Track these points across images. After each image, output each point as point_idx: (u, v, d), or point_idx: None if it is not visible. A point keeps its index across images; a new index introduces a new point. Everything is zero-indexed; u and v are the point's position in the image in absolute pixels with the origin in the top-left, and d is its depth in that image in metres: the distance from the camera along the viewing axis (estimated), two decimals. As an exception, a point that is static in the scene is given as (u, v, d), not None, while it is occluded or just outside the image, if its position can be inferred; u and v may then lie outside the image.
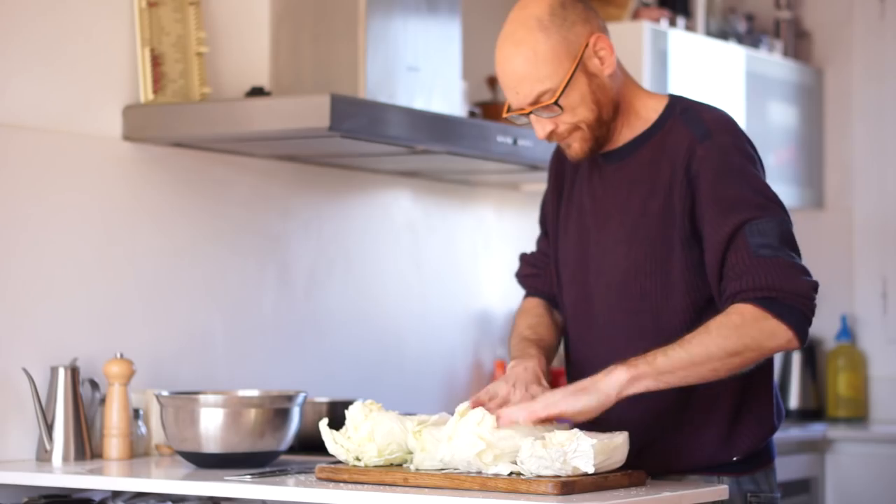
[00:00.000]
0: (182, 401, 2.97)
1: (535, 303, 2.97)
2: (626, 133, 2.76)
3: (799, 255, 2.61)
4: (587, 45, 2.68)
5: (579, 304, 2.81)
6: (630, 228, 2.71)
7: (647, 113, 2.75)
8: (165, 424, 3.00)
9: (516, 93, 2.67)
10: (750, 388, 2.72)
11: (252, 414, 2.94)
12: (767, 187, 2.66)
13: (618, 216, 2.74)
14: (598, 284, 2.76)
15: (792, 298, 2.55)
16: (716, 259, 2.62)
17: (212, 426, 2.93)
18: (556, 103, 2.65)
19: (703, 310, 2.66)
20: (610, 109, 2.71)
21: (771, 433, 2.76)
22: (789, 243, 2.60)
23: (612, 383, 2.53)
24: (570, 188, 2.87)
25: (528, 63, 2.65)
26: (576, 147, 2.72)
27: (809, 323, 2.58)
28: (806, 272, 2.58)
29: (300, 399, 3.03)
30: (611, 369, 2.54)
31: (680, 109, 2.74)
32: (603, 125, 2.71)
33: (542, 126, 2.70)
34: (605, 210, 2.77)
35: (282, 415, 2.97)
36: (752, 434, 2.73)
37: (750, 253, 2.57)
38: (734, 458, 2.71)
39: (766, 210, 2.61)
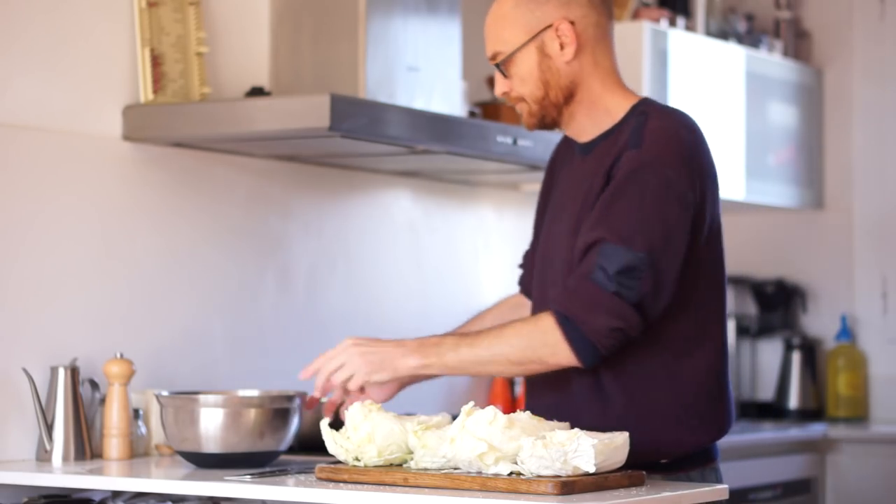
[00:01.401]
0: (182, 401, 2.97)
1: (509, 297, 3.12)
2: (594, 128, 2.82)
3: (633, 292, 2.62)
4: (550, 27, 2.76)
5: (537, 295, 2.89)
6: (575, 221, 2.77)
7: (616, 110, 2.80)
8: (165, 424, 3.00)
9: (486, 43, 2.83)
10: (696, 390, 2.75)
11: (252, 414, 2.94)
12: (651, 217, 2.65)
13: (570, 208, 2.81)
14: (550, 274, 2.83)
15: (587, 329, 2.64)
16: (574, 260, 2.71)
17: (212, 426, 2.93)
18: (498, 66, 2.79)
19: None
20: (559, 94, 2.78)
21: (713, 439, 2.77)
22: (624, 280, 2.62)
23: (403, 367, 2.75)
24: (549, 188, 2.96)
25: (495, 21, 2.81)
26: (523, 118, 2.84)
27: (599, 354, 2.65)
28: (620, 314, 2.62)
29: (300, 400, 3.03)
30: (407, 351, 2.74)
31: (639, 112, 2.77)
32: (550, 106, 2.79)
33: (498, 83, 2.83)
34: (563, 202, 2.84)
35: (282, 415, 2.97)
36: (690, 439, 2.75)
37: (587, 272, 2.65)
38: (662, 461, 2.72)
39: (629, 240, 2.63)
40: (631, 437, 2.57)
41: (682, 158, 2.69)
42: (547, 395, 2.84)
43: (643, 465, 2.65)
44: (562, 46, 2.76)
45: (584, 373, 2.73)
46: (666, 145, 2.69)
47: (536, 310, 2.88)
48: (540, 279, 2.88)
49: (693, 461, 2.79)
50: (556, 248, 2.82)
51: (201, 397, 2.97)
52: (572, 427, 2.60)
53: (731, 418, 2.82)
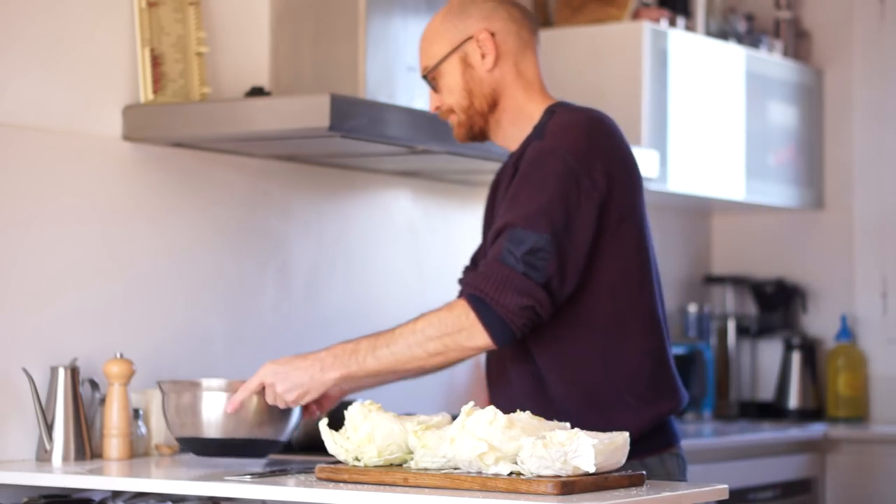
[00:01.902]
0: (184, 385, 2.98)
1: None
2: (520, 135, 2.95)
3: (541, 273, 2.73)
4: (472, 38, 2.94)
5: None
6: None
7: (538, 116, 2.95)
8: (166, 411, 3.00)
9: (419, 59, 3.03)
10: (631, 371, 2.85)
11: (254, 401, 2.94)
12: (554, 201, 2.77)
13: (498, 211, 2.92)
14: None
15: (500, 309, 2.72)
16: (485, 248, 2.86)
17: (213, 412, 2.94)
18: (424, 77, 2.99)
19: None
20: (483, 102, 2.95)
21: (654, 420, 2.86)
22: (532, 260, 2.74)
23: (327, 380, 2.81)
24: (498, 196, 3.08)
25: (424, 38, 3.02)
26: (455, 130, 3.00)
27: (512, 334, 2.75)
28: (529, 292, 2.72)
29: None
30: (325, 365, 2.79)
31: (549, 111, 2.93)
32: (476, 115, 2.96)
33: (430, 98, 3.03)
34: (496, 207, 2.95)
35: (282, 413, 2.97)
36: (632, 422, 2.81)
37: (497, 255, 2.76)
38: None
39: (533, 222, 2.75)
40: (574, 422, 2.65)
41: (583, 145, 2.83)
42: (492, 390, 2.97)
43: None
44: (483, 56, 2.93)
45: (522, 363, 2.86)
46: (567, 134, 2.84)
47: None
48: None
49: (648, 446, 2.85)
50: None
51: (203, 381, 2.97)
52: None
53: (679, 399, 2.91)
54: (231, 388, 2.95)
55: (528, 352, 2.88)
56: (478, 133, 3.00)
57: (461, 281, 2.98)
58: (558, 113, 2.90)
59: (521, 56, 2.97)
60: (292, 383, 2.85)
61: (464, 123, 2.98)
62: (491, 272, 2.75)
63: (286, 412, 2.97)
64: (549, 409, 2.81)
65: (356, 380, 2.84)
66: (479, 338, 2.75)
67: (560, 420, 2.68)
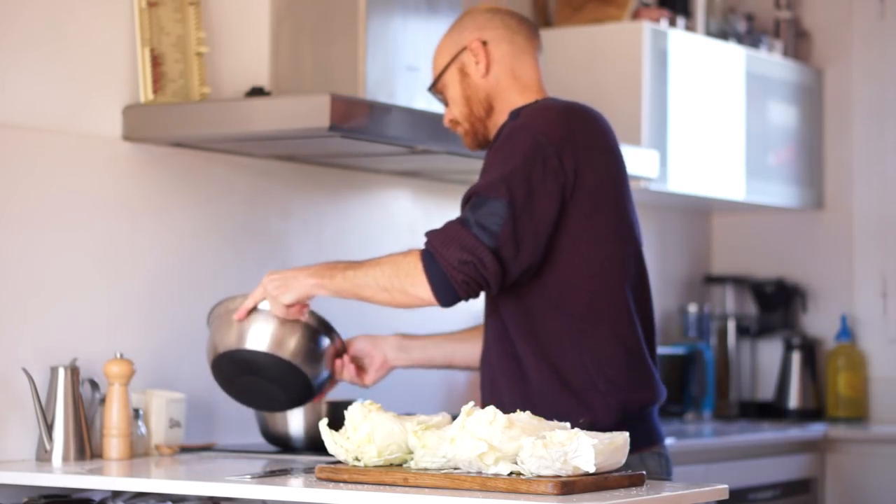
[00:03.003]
0: (237, 302, 3.12)
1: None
2: None
3: (492, 237, 2.82)
4: (466, 48, 3.08)
5: None
6: None
7: None
8: (212, 326, 3.15)
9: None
10: (604, 356, 2.94)
11: (301, 328, 3.08)
12: (517, 172, 2.86)
13: None
14: None
15: (442, 262, 2.83)
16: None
17: (262, 325, 3.07)
18: (429, 89, 3.15)
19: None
20: (480, 108, 3.08)
21: (619, 405, 2.93)
22: (485, 223, 2.83)
23: (302, 286, 2.99)
24: None
25: (433, 57, 3.16)
26: (464, 140, 3.14)
27: (453, 290, 2.85)
28: (472, 249, 2.82)
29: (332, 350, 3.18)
30: (309, 273, 2.98)
31: (534, 104, 3.02)
32: (476, 121, 3.09)
33: (445, 113, 3.16)
34: None
35: (319, 351, 3.13)
36: (599, 403, 2.91)
37: (458, 218, 2.88)
38: (580, 422, 2.82)
39: (494, 189, 2.85)
40: (550, 405, 2.84)
41: (555, 128, 2.91)
42: (481, 376, 3.08)
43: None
44: (476, 63, 3.07)
45: (502, 344, 2.97)
46: (542, 116, 2.94)
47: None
48: None
49: (630, 443, 2.85)
50: None
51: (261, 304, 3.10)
52: (496, 400, 2.86)
53: (657, 392, 3.00)
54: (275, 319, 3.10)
55: (506, 333, 2.98)
56: (482, 140, 3.11)
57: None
58: (540, 102, 3.02)
59: (516, 61, 3.08)
60: (282, 283, 3.02)
61: (469, 132, 3.11)
62: (445, 228, 2.88)
63: (320, 359, 3.13)
64: (527, 390, 2.93)
65: (323, 290, 2.99)
66: (421, 287, 2.87)
67: (537, 402, 2.80)
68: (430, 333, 3.41)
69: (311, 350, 3.13)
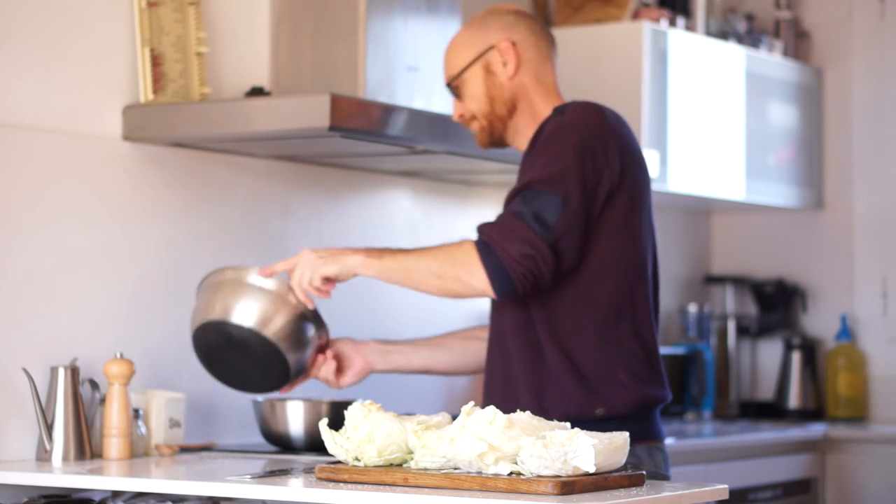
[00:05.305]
0: (233, 271, 3.15)
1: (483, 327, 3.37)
2: (530, 136, 3.10)
3: (549, 231, 2.88)
4: (493, 47, 3.11)
5: None
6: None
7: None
8: (201, 295, 3.16)
9: (444, 71, 3.19)
10: (625, 349, 3.01)
11: (291, 307, 3.09)
12: (569, 168, 2.92)
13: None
14: None
15: (502, 254, 2.86)
16: (504, 207, 2.98)
17: (252, 302, 3.09)
18: (448, 85, 3.15)
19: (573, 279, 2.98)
20: (503, 108, 3.12)
21: (639, 398, 2.99)
22: (542, 216, 2.89)
23: (350, 262, 3.01)
24: None
25: (449, 50, 3.17)
26: (477, 136, 3.17)
27: (511, 284, 2.88)
28: (532, 243, 2.87)
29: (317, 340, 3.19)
30: (356, 251, 3.01)
31: (562, 107, 3.07)
32: (496, 119, 3.12)
33: (454, 107, 3.18)
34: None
35: (305, 336, 3.14)
36: (619, 394, 2.98)
37: (510, 209, 2.92)
38: (597, 412, 2.95)
39: (548, 185, 2.91)
40: (564, 395, 2.92)
41: (599, 126, 2.99)
42: (488, 372, 3.10)
43: (582, 419, 2.87)
44: (504, 64, 3.10)
45: (524, 333, 3.00)
46: (586, 113, 3.01)
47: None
48: None
49: (640, 435, 2.98)
50: None
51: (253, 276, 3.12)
52: (510, 388, 2.92)
53: (667, 390, 3.07)
54: (279, 287, 3.11)
55: (530, 322, 3.00)
56: (497, 138, 3.16)
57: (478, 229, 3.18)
58: (571, 104, 3.06)
59: (540, 65, 3.15)
60: (329, 254, 3.05)
61: (486, 129, 3.14)
62: (501, 221, 2.91)
63: (305, 344, 3.12)
64: (543, 379, 2.98)
65: (369, 270, 3.01)
66: (478, 278, 2.89)
67: (551, 389, 2.85)
68: (406, 340, 3.43)
69: (298, 337, 3.14)
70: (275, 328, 3.11)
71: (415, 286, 2.99)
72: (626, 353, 3.01)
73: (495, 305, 3.10)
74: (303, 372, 3.22)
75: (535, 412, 2.74)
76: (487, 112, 3.12)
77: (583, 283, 2.99)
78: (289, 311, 3.11)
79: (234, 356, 3.14)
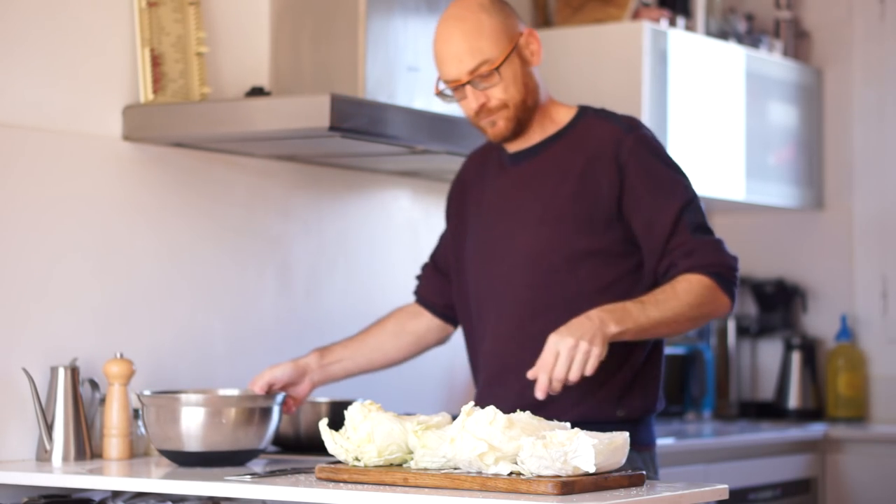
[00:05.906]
0: (164, 400, 3.01)
1: (406, 306, 3.35)
2: (538, 135, 3.07)
3: (713, 231, 3.03)
4: (522, 35, 3.01)
5: (481, 289, 3.09)
6: (541, 211, 3.01)
7: (560, 118, 3.08)
8: (147, 424, 3.03)
9: (459, 61, 2.96)
10: (644, 365, 3.04)
11: (232, 413, 2.98)
12: (681, 173, 3.05)
13: (527, 203, 3.04)
14: (501, 266, 3.04)
15: (727, 273, 2.96)
16: (662, 237, 2.96)
17: (193, 425, 2.96)
18: (497, 69, 2.95)
19: (610, 284, 2.98)
20: (533, 97, 3.03)
21: (652, 409, 3.04)
22: (706, 223, 3.01)
23: (609, 334, 2.80)
24: (463, 206, 3.19)
25: (471, 36, 2.95)
26: (500, 125, 3.01)
27: (735, 291, 3.01)
28: (726, 249, 3.01)
29: (280, 398, 3.07)
30: (605, 321, 2.79)
31: (592, 112, 3.09)
32: (527, 110, 3.02)
33: (475, 98, 2.98)
34: (514, 199, 3.07)
35: (262, 413, 3.01)
36: (638, 403, 3.01)
37: (690, 234, 2.96)
38: (618, 414, 2.97)
39: (689, 191, 3.01)
40: (584, 399, 2.91)
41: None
42: (497, 350, 3.06)
43: (600, 422, 2.88)
44: (531, 53, 3.03)
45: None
46: (645, 127, 3.07)
47: (483, 311, 3.09)
48: (487, 280, 3.07)
49: (637, 441, 2.99)
50: (515, 238, 3.03)
51: (182, 397, 3.00)
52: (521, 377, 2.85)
53: (662, 401, 3.09)
54: (209, 403, 2.98)
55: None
56: (519, 130, 3.04)
57: (419, 292, 3.24)
58: (600, 111, 3.09)
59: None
60: (590, 340, 2.78)
61: (512, 118, 3.01)
62: (702, 246, 2.96)
63: (265, 420, 3.01)
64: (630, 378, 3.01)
65: (626, 336, 2.85)
66: (726, 305, 2.97)
67: (565, 393, 2.80)
68: (342, 342, 3.31)
69: (257, 423, 3.04)
70: (227, 436, 3.00)
71: (666, 334, 2.97)
72: (646, 358, 3.04)
73: (514, 289, 3.03)
74: (277, 428, 3.11)
75: (606, 410, 2.90)
76: (519, 101, 2.99)
77: (633, 281, 3.02)
78: (231, 413, 3.00)
79: (207, 461, 3.02)
